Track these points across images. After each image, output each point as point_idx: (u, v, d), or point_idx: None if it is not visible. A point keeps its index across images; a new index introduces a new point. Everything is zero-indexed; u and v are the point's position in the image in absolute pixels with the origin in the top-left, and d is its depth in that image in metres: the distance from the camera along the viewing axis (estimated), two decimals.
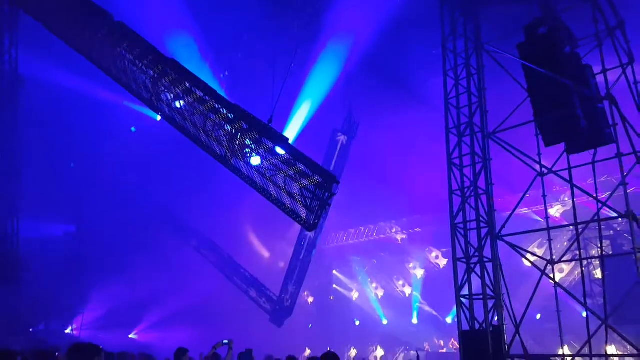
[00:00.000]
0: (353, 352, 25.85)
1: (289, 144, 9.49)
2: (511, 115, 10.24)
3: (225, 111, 9.80)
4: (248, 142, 9.90)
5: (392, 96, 18.07)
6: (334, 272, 29.33)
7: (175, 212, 23.73)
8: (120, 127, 21.35)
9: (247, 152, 10.03)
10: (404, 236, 26.52)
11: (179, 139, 11.31)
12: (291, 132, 18.82)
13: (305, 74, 18.00)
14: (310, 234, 20.36)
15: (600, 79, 8.97)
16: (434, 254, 25.24)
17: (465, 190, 10.63)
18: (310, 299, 30.09)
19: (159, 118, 13.59)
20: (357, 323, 27.34)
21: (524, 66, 9.42)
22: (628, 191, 8.63)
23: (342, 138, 19.24)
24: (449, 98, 10.88)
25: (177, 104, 10.30)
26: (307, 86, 18.43)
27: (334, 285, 29.35)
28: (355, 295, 28.49)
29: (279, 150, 9.32)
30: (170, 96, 10.36)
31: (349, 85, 18.37)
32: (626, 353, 13.79)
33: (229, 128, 10.04)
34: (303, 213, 9.55)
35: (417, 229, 25.58)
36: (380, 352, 25.63)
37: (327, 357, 5.29)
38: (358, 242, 27.77)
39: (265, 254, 28.33)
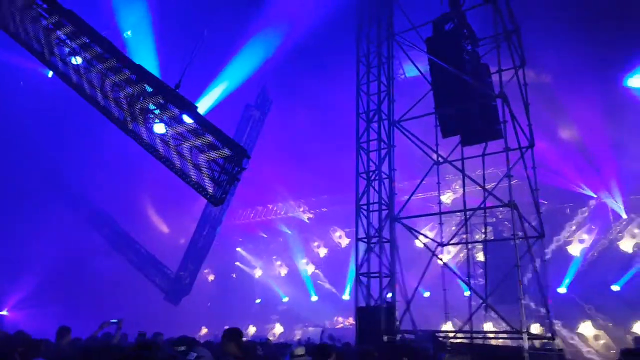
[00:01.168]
0: (252, 330, 25.97)
1: (197, 112, 9.05)
2: (416, 105, 10.77)
3: (127, 71, 9.04)
4: (151, 106, 9.26)
5: (310, 78, 18.14)
6: (238, 249, 29.07)
7: (66, 180, 21.78)
8: (6, 83, 18.93)
9: (149, 118, 9.39)
10: (311, 215, 27.00)
11: (73, 99, 10.29)
12: (205, 103, 18.13)
13: (233, 52, 17.43)
14: (215, 210, 19.92)
15: (495, 78, 9.73)
16: (337, 234, 26.03)
17: (371, 173, 11.05)
18: (211, 277, 29.60)
19: (50, 74, 12.26)
20: (258, 301, 27.48)
21: (430, 59, 9.93)
22: (512, 183, 9.51)
23: (255, 113, 18.92)
24: (360, 84, 11.16)
25: (73, 60, 9.31)
26: (232, 63, 17.89)
27: (237, 263, 29.13)
28: (258, 272, 28.54)
29: (186, 118, 8.87)
30: (66, 50, 9.34)
31: (270, 64, 18.10)
32: (501, 329, 15.46)
33: (130, 90, 9.30)
34: (210, 187, 9.18)
35: (324, 209, 26.16)
36: (279, 329, 26.06)
37: (228, 333, 5.28)
38: (265, 220, 27.73)
39: (165, 229, 27.20)
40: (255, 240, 28.36)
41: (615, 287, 18.13)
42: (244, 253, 28.94)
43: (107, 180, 21.30)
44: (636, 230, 18.78)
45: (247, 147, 17.77)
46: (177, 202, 22.82)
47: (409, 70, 12.71)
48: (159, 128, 9.00)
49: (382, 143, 10.98)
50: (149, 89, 9.02)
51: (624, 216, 18.89)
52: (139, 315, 17.26)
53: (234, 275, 29.18)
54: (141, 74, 8.95)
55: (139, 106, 9.20)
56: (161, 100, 8.95)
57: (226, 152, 8.66)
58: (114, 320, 7.60)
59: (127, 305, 18.25)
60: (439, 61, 9.56)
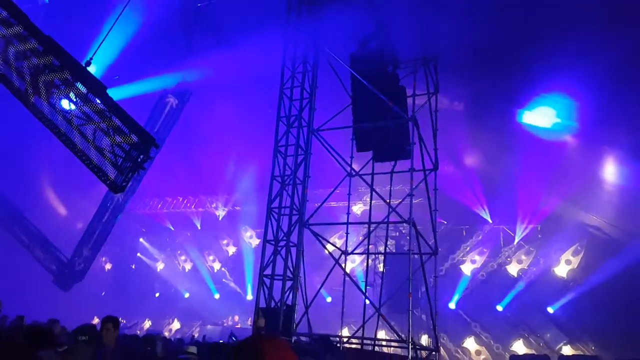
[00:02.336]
0: (147, 324, 24.88)
1: (106, 93, 8.55)
2: (336, 117, 11.03)
3: (34, 41, 8.33)
4: (57, 81, 8.61)
5: (235, 74, 17.83)
6: (141, 240, 27.72)
7: None
8: None
9: (53, 93, 8.71)
10: (224, 212, 26.49)
11: None
12: (132, 91, 17.10)
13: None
14: (118, 196, 18.84)
15: (410, 101, 10.26)
16: (248, 233, 25.77)
17: (286, 178, 11.11)
18: (108, 266, 27.99)
19: None
20: (157, 295, 26.39)
21: (352, 74, 10.22)
22: (416, 201, 10.03)
23: (171, 100, 18.12)
24: (284, 88, 11.19)
25: None
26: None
27: (139, 254, 27.76)
28: (160, 266, 27.42)
29: (93, 98, 8.33)
30: None
31: (195, 54, 17.46)
32: (394, 338, 16.24)
33: (35, 61, 8.57)
34: (111, 172, 8.65)
35: (237, 207, 25.79)
36: (176, 325, 25.19)
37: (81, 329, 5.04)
38: (174, 212, 26.73)
39: (62, 210, 25.24)
40: (161, 232, 27.23)
41: (499, 307, 19.75)
42: (146, 244, 27.67)
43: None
44: (523, 257, 20.61)
45: (160, 136, 17.02)
46: (77, 184, 21.27)
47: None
48: (63, 105, 8.40)
49: (299, 149, 11.08)
50: (56, 63, 8.40)
51: (515, 242, 20.68)
52: (24, 299, 15.86)
53: (133, 267, 27.79)
54: (49, 45, 8.27)
55: (43, 79, 8.52)
56: (68, 77, 8.37)
57: (133, 138, 8.24)
58: None
59: (9, 287, 16.65)
60: (360, 78, 9.87)
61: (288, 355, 1.55)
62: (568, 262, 19.62)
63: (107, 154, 8.54)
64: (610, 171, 16.81)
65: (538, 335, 18.99)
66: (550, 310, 18.99)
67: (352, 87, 10.36)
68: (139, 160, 8.55)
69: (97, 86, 8.45)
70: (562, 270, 19.66)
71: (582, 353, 17.39)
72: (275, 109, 11.33)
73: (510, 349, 18.92)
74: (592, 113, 14.89)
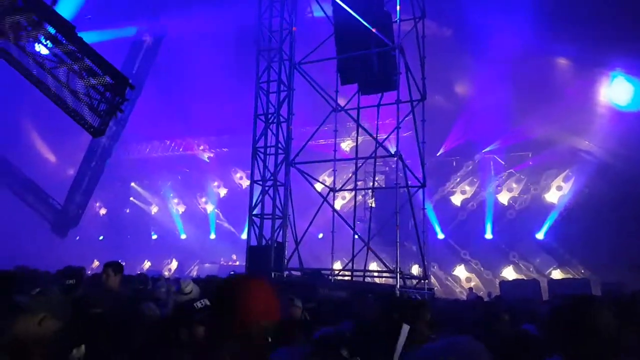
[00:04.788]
0: (147, 264, 25.47)
1: (76, 34, 8.09)
2: (318, 49, 10.56)
3: None
4: (24, 23, 8.13)
5: (212, 8, 16.91)
6: (133, 184, 27.73)
7: None
8: None
9: (21, 35, 8.26)
10: (211, 154, 26.29)
11: None
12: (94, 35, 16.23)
13: None
14: (105, 141, 18.55)
15: (395, 27, 9.76)
16: (238, 175, 25.74)
17: (269, 116, 10.86)
18: (103, 211, 28.17)
19: None
20: (154, 237, 26.81)
21: (333, 2, 9.65)
22: (404, 134, 9.87)
23: (147, 39, 17.26)
24: (262, 19, 10.63)
25: None
26: None
27: (132, 198, 27.86)
28: (154, 209, 27.64)
29: (62, 39, 7.90)
30: None
31: None
32: (384, 269, 16.74)
33: None
34: (88, 116, 8.41)
35: (225, 149, 25.56)
36: (174, 264, 25.83)
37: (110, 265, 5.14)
38: (162, 156, 26.51)
39: (51, 157, 24.98)
40: (152, 176, 27.14)
41: (488, 235, 20.20)
42: (139, 189, 27.72)
43: None
44: (514, 185, 20.79)
45: (139, 77, 16.39)
46: (64, 130, 20.87)
47: (317, 10, 12.23)
48: (33, 47, 8.00)
49: (282, 85, 10.73)
50: (20, 4, 7.88)
51: (505, 171, 20.75)
52: (20, 247, 16.03)
53: (127, 211, 27.99)
54: None
55: (9, 21, 8.04)
56: (34, 17, 7.89)
57: (107, 79, 7.89)
58: None
59: (7, 237, 16.81)
60: (342, 3, 9.33)
61: (261, 293, 1.52)
62: (559, 188, 19.86)
63: (82, 97, 8.22)
64: (603, 93, 16.56)
65: (528, 261, 19.56)
66: (540, 236, 19.44)
67: (334, 14, 9.82)
68: (115, 102, 8.33)
69: (65, 26, 8.01)
70: (552, 196, 19.93)
71: (571, 276, 17.99)
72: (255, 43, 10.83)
73: (500, 275, 19.54)
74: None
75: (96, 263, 24.40)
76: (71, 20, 8.41)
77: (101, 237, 26.90)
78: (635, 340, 1.96)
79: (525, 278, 18.00)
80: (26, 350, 1.88)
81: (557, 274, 18.68)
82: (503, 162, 20.85)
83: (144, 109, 19.10)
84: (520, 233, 19.68)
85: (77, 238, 23.77)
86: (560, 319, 1.97)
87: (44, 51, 8.08)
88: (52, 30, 7.99)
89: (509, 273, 19.63)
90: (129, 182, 27.50)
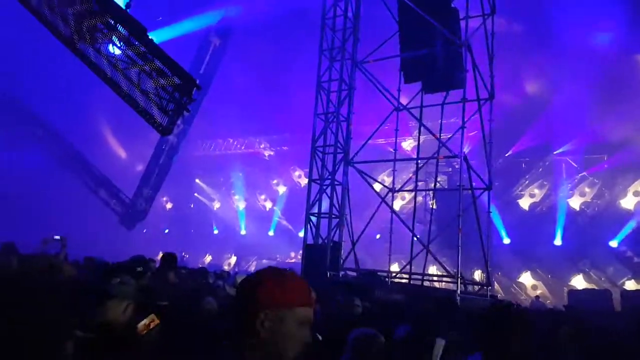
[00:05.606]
0: (208, 258, 26.38)
1: (147, 36, 8.48)
2: (381, 47, 10.39)
3: None
4: (100, 26, 8.62)
5: (277, 6, 17.13)
6: (197, 180, 28.81)
7: (18, 97, 20.51)
8: None
9: (97, 37, 8.77)
10: (272, 153, 26.75)
11: (25, 17, 9.36)
12: (174, 32, 16.97)
13: None
14: (172, 139, 19.38)
15: (463, 24, 9.40)
16: (297, 173, 26.01)
17: (329, 115, 10.82)
18: (169, 205, 29.47)
19: None
20: (216, 231, 27.71)
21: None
22: (470, 134, 9.47)
23: (215, 41, 17.83)
24: (325, 18, 10.60)
25: None
26: None
27: (196, 194, 28.95)
28: (216, 205, 28.55)
29: (135, 41, 8.29)
30: None
31: None
32: (444, 273, 16.26)
33: (79, 7, 8.57)
34: (157, 115, 8.84)
35: (285, 147, 25.89)
36: (234, 259, 26.55)
37: (166, 256, 5.33)
38: (225, 154, 27.33)
39: (122, 153, 26.50)
40: (215, 173, 28.05)
41: (557, 242, 19.05)
42: (202, 185, 28.73)
43: (63, 101, 20.20)
44: (587, 189, 19.49)
45: (206, 77, 16.94)
46: (135, 128, 22.05)
47: (381, 8, 12.04)
48: (107, 49, 8.46)
49: (343, 84, 10.65)
50: (96, 7, 8.36)
51: (578, 175, 19.49)
52: (89, 238, 17.06)
53: (192, 206, 29.11)
54: None
55: (86, 24, 8.55)
56: (110, 20, 8.35)
57: (175, 80, 8.24)
58: (57, 237, 6.75)
59: (76, 227, 17.93)
60: (409, 1, 9.11)
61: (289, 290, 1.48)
62: (636, 193, 18.36)
63: (152, 97, 8.63)
64: None
65: (600, 270, 18.26)
66: (613, 244, 18.06)
67: (399, 12, 9.60)
68: (183, 102, 8.64)
69: (138, 29, 8.41)
70: (628, 202, 18.45)
71: None
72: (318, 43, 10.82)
73: (569, 283, 18.38)
74: None
75: (161, 254, 25.59)
76: (142, 21, 8.86)
77: (167, 231, 28.15)
78: None
79: (596, 288, 16.80)
80: (116, 333, 2.07)
81: (631, 285, 17.29)
82: (576, 165, 19.55)
83: (210, 107, 19.75)
84: (592, 240, 18.36)
85: (144, 231, 25.02)
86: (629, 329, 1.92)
87: (117, 52, 8.55)
88: (125, 32, 8.45)
89: (579, 282, 18.41)
90: (193, 178, 28.60)
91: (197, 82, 8.94)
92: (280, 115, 21.82)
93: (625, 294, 13.97)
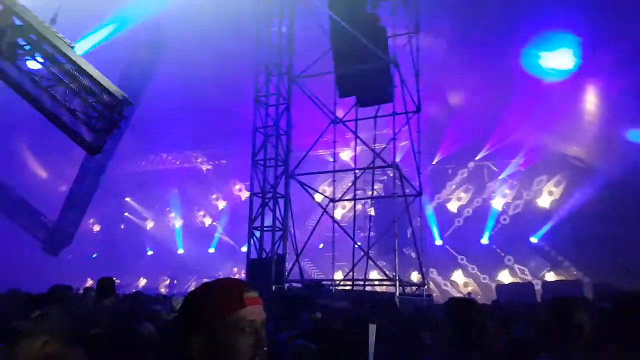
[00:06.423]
0: (142, 282, 25.23)
1: (74, 52, 8.13)
2: (316, 63, 10.70)
3: None
4: (21, 42, 8.15)
5: (211, 23, 16.97)
6: (128, 199, 27.54)
7: None
8: None
9: (19, 54, 8.27)
10: (209, 167, 26.22)
11: None
12: (91, 41, 16.21)
13: None
14: (99, 157, 18.42)
15: (390, 42, 9.96)
16: (237, 186, 25.67)
17: (268, 128, 10.93)
18: (97, 227, 27.89)
19: None
20: (150, 252, 26.60)
21: (330, 17, 9.82)
22: (401, 144, 9.98)
23: (144, 54, 17.31)
24: (260, 34, 10.75)
25: None
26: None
27: (126, 214, 27.66)
28: (150, 224, 27.43)
29: (60, 58, 7.92)
30: None
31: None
32: (384, 278, 16.79)
33: None
34: (86, 134, 8.45)
35: (223, 161, 25.50)
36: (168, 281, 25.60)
37: (102, 282, 5.09)
38: (158, 169, 26.40)
39: (43, 174, 24.79)
40: (147, 190, 26.98)
41: (484, 240, 20.39)
42: (133, 204, 27.51)
43: None
44: (507, 191, 21.03)
45: (135, 92, 16.33)
46: (56, 146, 20.75)
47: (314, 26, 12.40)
48: (30, 66, 8.00)
49: (280, 98, 10.82)
50: (18, 22, 7.90)
51: (499, 177, 21.04)
52: (10, 266, 15.80)
53: (122, 227, 27.76)
54: (8, 4, 7.74)
55: (6, 40, 8.05)
56: (32, 36, 7.91)
57: (104, 97, 7.95)
58: None
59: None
60: (339, 19, 9.49)
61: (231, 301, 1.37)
62: (550, 192, 20.13)
63: (79, 115, 8.27)
64: (591, 101, 16.88)
65: (522, 265, 19.78)
66: (533, 240, 19.67)
67: (331, 30, 9.97)
68: (113, 120, 8.33)
69: (63, 45, 8.03)
70: (544, 201, 20.19)
71: (564, 278, 18.19)
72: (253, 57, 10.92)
73: (497, 278, 19.72)
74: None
75: (90, 282, 24.13)
76: (69, 33, 8.47)
77: (95, 255, 26.59)
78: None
79: (520, 281, 18.16)
80: None
81: (550, 276, 18.89)
82: (496, 169, 21.11)
83: (140, 122, 19.05)
84: (514, 237, 19.91)
85: (70, 257, 23.49)
86: (547, 319, 2.18)
87: (37, 66, 8.10)
88: (49, 49, 8.05)
89: (505, 276, 19.82)
90: (123, 198, 27.30)
91: (128, 97, 8.67)
92: (217, 128, 21.50)
93: (546, 285, 15.26)
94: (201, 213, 26.48)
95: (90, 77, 7.94)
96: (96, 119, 8.12)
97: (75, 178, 19.83)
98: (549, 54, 16.18)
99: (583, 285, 14.15)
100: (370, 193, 19.04)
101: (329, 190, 15.82)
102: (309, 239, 10.98)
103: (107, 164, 20.14)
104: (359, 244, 10.86)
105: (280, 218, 10.76)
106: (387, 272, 10.82)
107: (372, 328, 1.82)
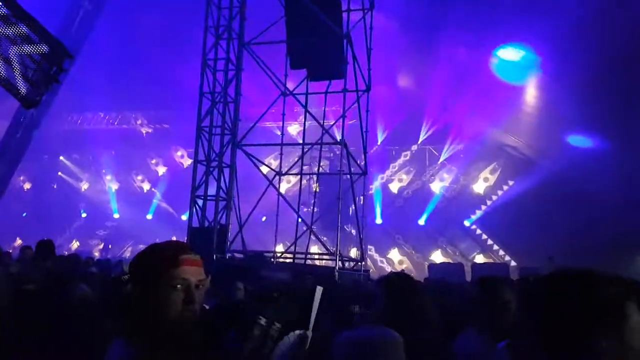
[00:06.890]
0: (75, 245, 24.23)
1: None
2: (269, 30, 10.47)
3: None
4: None
5: None
6: (62, 158, 26.06)
7: None
8: None
9: None
10: (150, 130, 25.22)
11: None
12: None
13: None
14: (32, 111, 17.24)
15: (345, 16, 9.91)
16: (179, 153, 24.95)
17: (216, 95, 10.66)
18: (27, 185, 26.31)
19: None
20: (84, 215, 25.48)
21: None
22: (350, 122, 10.10)
23: (85, 4, 16.11)
24: None
25: None
26: None
27: (60, 173, 26.21)
28: (84, 186, 26.19)
29: None
30: None
31: None
32: (325, 252, 17.16)
33: None
34: (22, 86, 7.84)
35: (165, 125, 24.58)
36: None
37: (42, 243, 4.94)
38: (96, 129, 25.03)
39: None
40: (83, 150, 25.61)
41: (421, 221, 21.27)
42: (68, 163, 26.08)
43: None
44: (445, 175, 21.95)
45: (74, 44, 15.25)
46: None
47: None
48: None
49: (230, 64, 10.55)
50: None
51: (439, 162, 21.87)
52: None
53: (54, 186, 26.32)
54: None
55: None
56: None
57: (44, 48, 7.40)
58: None
59: None
60: None
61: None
62: (486, 179, 21.25)
63: (15, 65, 7.71)
64: (536, 96, 17.77)
65: (454, 246, 20.88)
66: (466, 223, 20.78)
67: None
68: (52, 72, 7.85)
69: None
70: (479, 187, 21.30)
71: (492, 261, 19.43)
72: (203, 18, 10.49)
73: (429, 258, 20.73)
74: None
75: (19, 241, 22.89)
76: None
77: (24, 214, 25.17)
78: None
79: (451, 262, 19.17)
80: None
81: (480, 258, 20.11)
82: (437, 153, 21.92)
83: (78, 77, 17.91)
84: (449, 220, 20.92)
85: None
86: (476, 295, 2.43)
87: None
88: None
89: (437, 256, 20.87)
90: (57, 156, 25.79)
91: (68, 50, 8.19)
92: (159, 90, 20.62)
93: (475, 266, 16.23)
94: (139, 178, 25.57)
95: (28, 24, 7.40)
96: (34, 70, 7.64)
97: (6, 131, 18.45)
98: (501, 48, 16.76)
99: (509, 268, 15.14)
100: (316, 169, 19.28)
101: (275, 164, 15.82)
102: (253, 210, 10.97)
103: (41, 118, 18.86)
104: (302, 218, 11.01)
105: (224, 188, 10.64)
106: (328, 247, 11.08)
107: (319, 290, 1.91)
